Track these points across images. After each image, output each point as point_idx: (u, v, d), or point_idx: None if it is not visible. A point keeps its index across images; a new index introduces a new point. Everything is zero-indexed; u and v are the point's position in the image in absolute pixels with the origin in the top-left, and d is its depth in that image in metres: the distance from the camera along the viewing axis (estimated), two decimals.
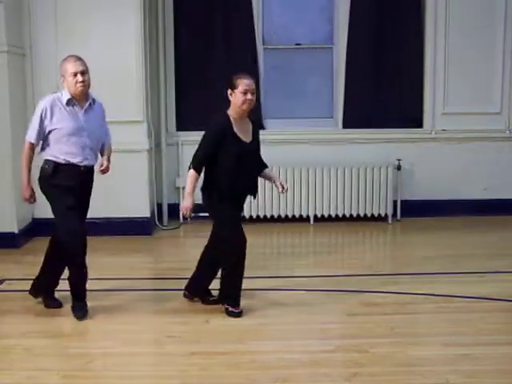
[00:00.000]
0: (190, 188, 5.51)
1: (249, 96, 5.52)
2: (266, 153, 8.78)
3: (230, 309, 5.67)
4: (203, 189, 5.71)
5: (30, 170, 5.70)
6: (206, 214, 8.96)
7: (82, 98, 5.61)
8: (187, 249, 8.14)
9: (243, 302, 5.85)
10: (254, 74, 9.12)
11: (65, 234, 5.68)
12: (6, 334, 5.40)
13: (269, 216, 9.06)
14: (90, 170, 5.74)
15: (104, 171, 5.81)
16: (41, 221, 8.32)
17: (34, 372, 4.68)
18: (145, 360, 4.97)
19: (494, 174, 9.29)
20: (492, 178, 9.30)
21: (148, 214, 8.51)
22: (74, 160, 5.58)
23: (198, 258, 5.97)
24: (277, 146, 8.89)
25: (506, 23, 9.02)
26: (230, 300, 5.70)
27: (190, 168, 5.56)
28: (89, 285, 5.78)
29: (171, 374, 4.63)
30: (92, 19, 8.06)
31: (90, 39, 8.06)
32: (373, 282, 6.52)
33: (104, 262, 7.22)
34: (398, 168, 9.13)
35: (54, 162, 5.59)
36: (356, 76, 9.21)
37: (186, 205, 5.52)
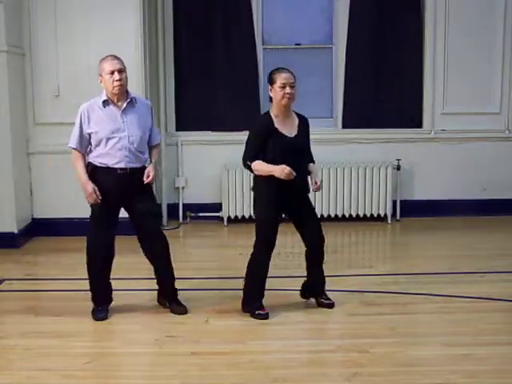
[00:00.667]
0: (265, 166, 5.43)
1: (287, 90, 5.42)
2: None
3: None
4: (253, 188, 5.78)
5: (86, 169, 5.54)
6: (206, 214, 9.10)
7: (119, 98, 5.47)
8: (186, 249, 8.14)
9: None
10: (253, 74, 9.22)
11: (88, 240, 5.71)
12: (5, 333, 5.40)
13: None
14: (131, 173, 5.50)
15: (149, 183, 5.58)
16: (40, 221, 8.34)
17: (33, 372, 4.68)
18: (144, 360, 4.96)
19: (494, 174, 9.28)
20: (491, 178, 9.29)
21: None
22: (111, 162, 5.45)
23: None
24: None
25: (506, 24, 9.03)
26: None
27: (247, 165, 5.56)
28: (88, 285, 5.78)
29: (171, 374, 4.63)
30: (92, 19, 8.05)
31: (90, 39, 8.06)
32: (373, 281, 6.52)
33: None
34: (398, 168, 9.13)
35: (92, 165, 5.52)
36: (356, 76, 9.21)
37: (284, 170, 5.36)
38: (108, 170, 5.46)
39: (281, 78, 5.43)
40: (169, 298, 5.80)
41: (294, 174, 5.35)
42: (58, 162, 8.16)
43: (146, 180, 5.49)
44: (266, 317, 5.57)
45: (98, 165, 5.48)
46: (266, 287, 5.74)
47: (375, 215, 9.08)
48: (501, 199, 9.26)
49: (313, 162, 5.79)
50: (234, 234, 8.79)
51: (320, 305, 5.82)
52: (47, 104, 8.18)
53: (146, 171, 5.53)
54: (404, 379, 4.49)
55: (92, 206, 5.56)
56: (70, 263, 7.29)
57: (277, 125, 5.49)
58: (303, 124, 5.64)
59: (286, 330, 5.42)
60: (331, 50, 9.42)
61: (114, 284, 5.80)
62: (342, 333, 5.43)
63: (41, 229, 8.28)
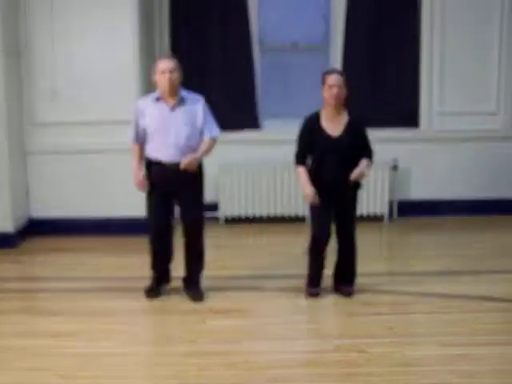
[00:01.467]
0: (302, 179, 5.87)
1: (335, 90, 5.71)
2: (262, 153, 8.93)
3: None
4: None
5: (140, 162, 6.00)
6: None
7: (170, 95, 5.80)
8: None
9: (240, 303, 5.86)
10: (249, 74, 9.22)
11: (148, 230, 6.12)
12: (1, 333, 5.40)
13: (266, 216, 9.05)
14: (178, 169, 5.75)
15: (184, 166, 5.76)
16: (37, 220, 8.32)
17: (30, 372, 4.69)
18: (141, 360, 4.96)
19: (491, 174, 9.28)
20: (488, 178, 9.29)
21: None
22: (160, 157, 5.82)
23: None
24: (274, 145, 8.89)
25: (502, 23, 9.01)
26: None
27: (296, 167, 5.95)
28: (87, 284, 5.78)
29: (168, 374, 4.63)
30: (88, 19, 8.01)
31: (86, 39, 8.03)
32: (369, 281, 6.51)
33: (102, 262, 7.24)
34: (395, 168, 9.13)
35: (148, 159, 5.93)
36: (352, 76, 9.11)
37: (307, 193, 5.83)
38: (159, 164, 5.84)
39: (329, 80, 5.76)
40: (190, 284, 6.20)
41: (317, 201, 5.76)
42: (54, 161, 8.17)
43: (181, 165, 5.73)
44: (312, 293, 6.04)
45: (152, 158, 5.87)
46: (265, 287, 5.75)
47: (372, 215, 9.07)
48: (498, 199, 9.26)
49: (367, 158, 5.92)
50: (231, 234, 8.78)
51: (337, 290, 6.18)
52: (43, 104, 8.15)
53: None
54: (401, 379, 4.50)
55: (147, 197, 6.03)
56: (66, 263, 7.30)
57: (323, 123, 5.84)
58: (353, 124, 5.88)
59: (283, 329, 5.42)
60: (328, 50, 9.40)
61: (112, 284, 5.81)
62: (339, 333, 5.44)
63: (37, 229, 8.27)
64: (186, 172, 5.78)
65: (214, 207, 9.07)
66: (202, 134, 5.94)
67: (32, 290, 6.70)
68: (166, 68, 5.76)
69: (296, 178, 6.11)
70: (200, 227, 6.12)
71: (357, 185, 5.93)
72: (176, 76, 5.81)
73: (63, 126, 8.11)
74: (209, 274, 6.76)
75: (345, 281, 6.13)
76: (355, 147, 5.85)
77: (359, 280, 6.20)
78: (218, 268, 7.14)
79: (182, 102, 5.85)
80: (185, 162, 5.72)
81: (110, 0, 8.00)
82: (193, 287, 6.12)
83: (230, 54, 9.11)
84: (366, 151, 5.92)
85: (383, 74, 9.25)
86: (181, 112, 5.83)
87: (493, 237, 8.34)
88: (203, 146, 5.94)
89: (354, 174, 5.73)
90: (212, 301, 6.04)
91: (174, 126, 5.78)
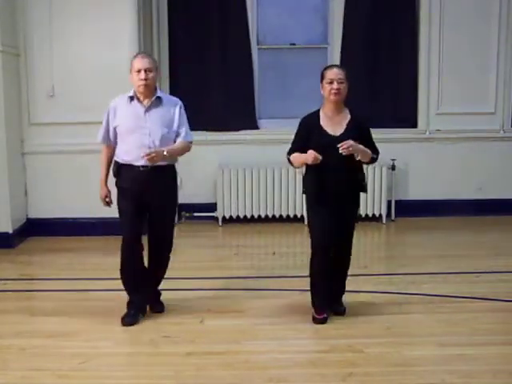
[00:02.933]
0: (296, 156, 5.38)
1: (335, 85, 5.34)
2: (260, 153, 8.93)
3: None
4: (303, 192, 5.61)
5: (107, 170, 5.63)
6: (201, 214, 9.09)
7: (145, 96, 5.43)
8: (181, 249, 8.11)
9: (238, 303, 5.86)
10: (248, 74, 9.22)
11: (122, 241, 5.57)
12: (1, 333, 5.38)
13: (263, 216, 9.05)
14: (153, 171, 5.37)
15: (144, 156, 5.25)
16: (35, 221, 8.33)
17: (28, 372, 4.68)
18: (140, 360, 4.95)
19: (489, 174, 9.30)
20: (486, 178, 9.30)
21: None
22: (131, 160, 5.40)
23: None
24: (272, 145, 8.89)
25: (501, 23, 9.03)
26: None
27: (288, 159, 5.52)
28: (86, 284, 5.78)
29: (166, 375, 4.62)
30: (86, 19, 8.02)
31: (85, 39, 8.05)
32: (367, 281, 6.52)
33: (100, 263, 7.23)
34: (393, 168, 9.14)
35: (117, 163, 5.52)
36: (350, 76, 9.14)
37: (307, 155, 5.22)
38: (131, 167, 5.42)
39: (328, 74, 5.39)
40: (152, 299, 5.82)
41: (320, 157, 5.13)
42: (52, 161, 8.18)
43: (144, 156, 5.26)
44: (321, 321, 5.47)
45: (122, 162, 5.46)
46: (262, 287, 5.73)
47: (370, 215, 9.08)
48: (496, 199, 9.27)
49: (372, 152, 5.45)
50: (229, 234, 8.79)
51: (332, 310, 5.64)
52: (42, 104, 8.17)
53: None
54: (399, 379, 4.49)
55: (118, 204, 5.57)
56: (64, 263, 7.30)
57: (322, 122, 5.39)
58: (355, 123, 5.42)
59: (281, 329, 5.41)
60: (326, 50, 9.41)
61: (111, 284, 5.80)
62: (337, 333, 5.42)
63: (35, 229, 8.27)
64: (157, 177, 5.40)
65: (211, 207, 9.08)
66: (177, 137, 5.55)
67: (31, 290, 6.71)
68: (141, 67, 5.34)
69: (295, 178, 5.95)
70: (169, 246, 5.70)
71: (359, 188, 5.50)
72: (152, 76, 5.38)
73: (62, 126, 8.11)
74: (206, 274, 6.77)
75: (334, 298, 5.67)
76: None
77: (356, 279, 6.20)
78: (216, 268, 7.15)
79: (157, 102, 5.47)
80: (147, 152, 5.25)
81: (108, 1, 8.01)
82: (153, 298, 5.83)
83: (229, 55, 9.13)
84: (372, 148, 5.46)
85: (381, 74, 9.27)
86: (156, 113, 5.44)
87: (492, 237, 8.35)
88: (174, 145, 5.51)
89: (343, 145, 5.13)
90: (210, 301, 6.04)
91: (149, 128, 5.38)
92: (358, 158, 5.30)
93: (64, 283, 6.63)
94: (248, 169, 8.94)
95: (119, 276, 5.59)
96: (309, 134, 5.37)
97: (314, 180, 5.38)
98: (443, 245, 7.99)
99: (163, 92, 5.65)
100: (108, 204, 5.68)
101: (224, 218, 9.06)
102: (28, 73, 8.16)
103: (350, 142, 5.15)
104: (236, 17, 9.11)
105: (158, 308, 5.79)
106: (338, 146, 5.13)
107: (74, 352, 4.98)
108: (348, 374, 4.55)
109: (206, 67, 9.16)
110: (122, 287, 5.60)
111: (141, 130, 5.39)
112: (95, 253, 7.65)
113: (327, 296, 5.56)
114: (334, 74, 5.39)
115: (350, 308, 5.75)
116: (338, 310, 5.66)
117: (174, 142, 5.54)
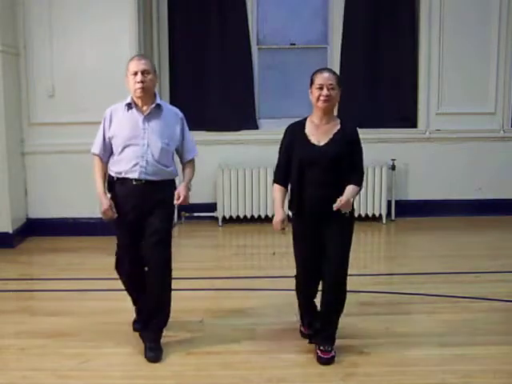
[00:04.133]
0: (276, 201, 4.92)
1: (324, 91, 4.79)
2: (260, 153, 8.93)
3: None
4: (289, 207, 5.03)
5: (104, 180, 5.05)
6: (201, 214, 9.09)
7: (143, 102, 4.94)
8: (181, 249, 8.12)
9: (239, 302, 5.87)
10: (248, 74, 9.22)
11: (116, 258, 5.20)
12: (0, 333, 5.38)
13: (263, 216, 9.06)
14: (147, 186, 4.95)
15: (182, 203, 4.92)
16: (35, 221, 8.34)
17: (28, 372, 4.68)
18: (139, 360, 4.95)
19: (489, 174, 9.30)
20: (486, 178, 9.30)
21: None
22: (126, 173, 4.93)
23: None
24: (271, 146, 8.85)
25: (501, 23, 9.03)
26: None
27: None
28: (86, 284, 5.77)
29: (166, 374, 4.63)
30: (86, 19, 8.03)
31: (85, 39, 8.05)
32: (368, 282, 6.52)
33: (100, 263, 7.22)
34: (393, 168, 9.14)
35: (110, 177, 5.04)
36: (350, 76, 9.20)
37: (275, 219, 4.89)
38: (123, 180, 4.94)
39: (318, 79, 4.83)
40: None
41: (280, 228, 4.82)
42: (52, 161, 8.19)
43: (176, 202, 4.90)
44: (304, 335, 5.17)
45: (115, 175, 4.98)
46: (262, 287, 5.73)
47: (370, 215, 9.08)
48: (496, 199, 9.28)
49: (355, 183, 4.77)
50: (229, 234, 8.80)
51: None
52: (42, 104, 8.17)
53: (176, 192, 4.94)
54: (399, 379, 4.49)
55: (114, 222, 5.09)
56: (64, 263, 7.31)
57: (308, 130, 4.86)
58: (344, 134, 4.81)
59: (281, 330, 5.42)
60: (326, 50, 9.42)
61: (110, 284, 5.79)
62: (336, 333, 5.43)
63: (36, 229, 8.28)
64: (156, 193, 4.96)
65: (211, 207, 9.08)
66: (181, 154, 5.19)
67: (31, 290, 6.71)
68: (137, 69, 4.84)
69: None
70: (168, 270, 5.07)
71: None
72: (150, 78, 4.89)
73: (61, 126, 8.11)
74: (206, 274, 6.78)
75: (321, 338, 4.90)
76: (343, 162, 4.74)
77: (356, 279, 6.20)
78: (216, 268, 7.16)
79: (158, 111, 4.99)
80: (182, 195, 4.89)
81: (108, 1, 8.01)
82: (150, 340, 5.01)
83: (229, 55, 9.13)
84: (355, 173, 4.79)
85: (381, 74, 9.27)
86: (156, 123, 4.95)
87: (492, 237, 8.35)
88: (189, 172, 5.18)
89: (337, 204, 4.56)
90: (210, 301, 6.04)
91: (147, 138, 4.91)
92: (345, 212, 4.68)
93: (64, 283, 6.63)
94: (248, 169, 8.94)
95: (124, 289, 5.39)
96: (293, 143, 4.88)
97: (294, 196, 4.88)
98: (443, 245, 7.99)
99: (162, 100, 5.19)
100: (113, 216, 5.02)
101: (224, 217, 9.06)
102: (28, 73, 8.16)
103: (345, 198, 4.59)
104: (236, 17, 9.11)
105: (153, 357, 4.93)
106: (334, 207, 4.56)
107: (74, 352, 4.98)
108: (348, 374, 4.56)
109: (206, 67, 9.16)
110: (121, 287, 5.59)
111: (138, 141, 4.92)
112: (95, 253, 7.64)
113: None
114: (323, 79, 4.83)
115: (350, 308, 5.74)
116: (322, 358, 4.82)
117: (173, 155, 5.12)
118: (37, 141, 8.20)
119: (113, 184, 5.04)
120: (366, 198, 9.01)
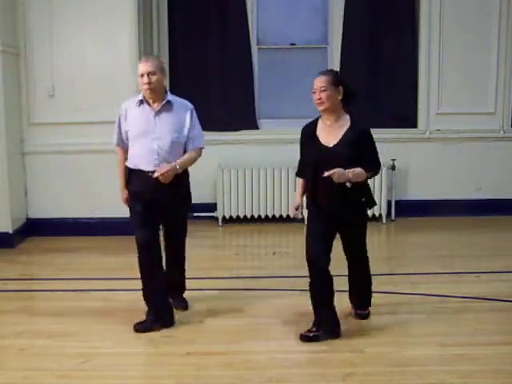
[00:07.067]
0: (296, 191, 5.39)
1: (316, 95, 5.01)
2: (260, 153, 8.93)
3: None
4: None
5: (125, 173, 5.47)
6: (200, 214, 9.08)
7: (154, 99, 5.30)
8: None
9: (238, 303, 5.86)
10: (248, 74, 9.22)
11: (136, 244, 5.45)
12: (0, 333, 5.38)
13: (263, 216, 9.05)
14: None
15: (157, 175, 5.16)
16: (35, 221, 8.34)
17: (29, 372, 4.67)
18: (140, 360, 4.96)
19: (489, 174, 9.30)
20: (486, 178, 9.30)
21: None
22: (141, 165, 5.29)
23: None
24: (272, 145, 8.92)
25: (501, 24, 9.03)
26: None
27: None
28: (86, 284, 5.76)
29: (166, 374, 4.62)
30: (86, 19, 8.03)
31: (85, 39, 8.05)
32: None
33: (100, 263, 7.24)
34: (393, 168, 9.14)
35: (128, 168, 5.41)
36: (350, 76, 9.16)
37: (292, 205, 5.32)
38: (140, 172, 5.31)
39: (313, 84, 5.05)
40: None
41: (299, 216, 5.27)
42: (52, 161, 8.19)
43: (155, 174, 5.16)
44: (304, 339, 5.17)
45: (132, 167, 5.35)
46: (262, 287, 5.72)
47: (370, 215, 9.05)
48: (496, 199, 9.28)
49: (364, 169, 4.95)
50: (229, 234, 8.79)
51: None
52: (42, 104, 8.17)
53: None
54: (399, 379, 4.49)
55: (130, 207, 5.46)
56: (64, 263, 7.30)
57: (319, 131, 5.08)
58: (353, 133, 5.00)
59: (281, 329, 5.42)
60: (326, 50, 9.43)
61: (110, 284, 5.79)
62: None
63: (35, 229, 8.28)
64: (171, 183, 5.23)
65: (211, 207, 9.08)
66: (188, 143, 5.42)
67: (31, 290, 6.71)
68: (144, 71, 5.20)
69: (294, 177, 5.89)
70: (183, 245, 5.79)
71: (362, 205, 5.22)
72: (156, 79, 5.21)
73: (61, 126, 8.11)
74: (206, 274, 6.77)
75: (359, 304, 5.59)
76: (355, 161, 4.90)
77: None
78: (216, 268, 7.15)
79: (168, 106, 5.33)
80: (159, 170, 5.16)
81: (108, 1, 8.01)
82: (176, 294, 5.81)
83: (229, 54, 9.13)
84: (369, 162, 5.04)
85: (381, 74, 9.28)
86: (166, 117, 5.31)
87: (492, 237, 8.35)
88: (185, 156, 5.37)
89: (330, 172, 4.76)
90: (210, 301, 6.04)
91: (159, 132, 5.25)
92: (349, 186, 4.89)
93: (64, 283, 6.63)
94: (248, 169, 8.94)
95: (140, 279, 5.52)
96: (305, 144, 5.16)
97: (308, 195, 5.19)
98: (443, 245, 7.99)
99: (173, 95, 5.46)
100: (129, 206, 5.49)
101: (224, 217, 9.07)
102: (28, 73, 8.16)
103: (337, 170, 4.77)
104: (236, 17, 9.11)
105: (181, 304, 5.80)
106: (324, 175, 4.78)
107: (75, 352, 4.98)
108: (348, 374, 4.55)
109: (206, 67, 9.16)
110: (122, 287, 5.60)
111: (150, 135, 5.26)
112: (95, 253, 7.65)
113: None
114: (315, 83, 5.03)
115: (348, 308, 5.75)
116: (360, 314, 5.59)
117: (185, 148, 5.41)
118: (37, 141, 8.20)
119: (131, 174, 5.40)
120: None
